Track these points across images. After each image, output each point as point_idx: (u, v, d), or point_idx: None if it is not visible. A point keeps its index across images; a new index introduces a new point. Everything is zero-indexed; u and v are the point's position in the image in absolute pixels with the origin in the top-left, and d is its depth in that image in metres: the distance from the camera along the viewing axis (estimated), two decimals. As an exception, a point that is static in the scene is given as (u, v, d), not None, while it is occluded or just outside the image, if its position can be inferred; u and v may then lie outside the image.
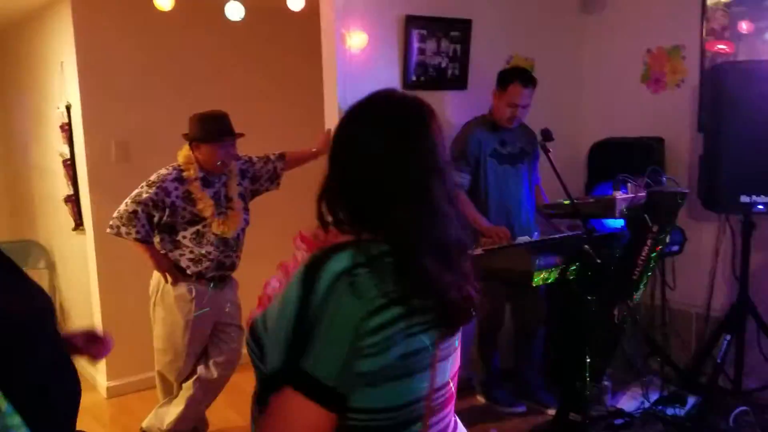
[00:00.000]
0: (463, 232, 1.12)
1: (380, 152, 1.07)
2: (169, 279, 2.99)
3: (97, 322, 4.00)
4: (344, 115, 1.12)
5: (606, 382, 3.32)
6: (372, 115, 1.11)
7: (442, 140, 1.12)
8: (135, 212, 2.89)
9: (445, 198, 1.09)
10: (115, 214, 2.94)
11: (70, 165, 4.04)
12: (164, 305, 3.02)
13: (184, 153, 3.02)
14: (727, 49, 3.54)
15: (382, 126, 1.09)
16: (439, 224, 1.07)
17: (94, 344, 1.50)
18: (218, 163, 2.97)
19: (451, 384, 1.16)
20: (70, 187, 4.09)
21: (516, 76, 3.32)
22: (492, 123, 3.41)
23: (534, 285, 2.87)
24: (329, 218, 1.09)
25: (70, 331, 1.47)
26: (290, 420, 0.97)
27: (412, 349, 1.02)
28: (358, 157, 1.08)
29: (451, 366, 1.15)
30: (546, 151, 2.90)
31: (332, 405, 0.98)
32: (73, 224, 4.14)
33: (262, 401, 1.04)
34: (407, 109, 1.12)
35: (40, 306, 1.29)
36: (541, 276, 2.82)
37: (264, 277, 1.31)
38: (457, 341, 1.17)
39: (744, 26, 3.47)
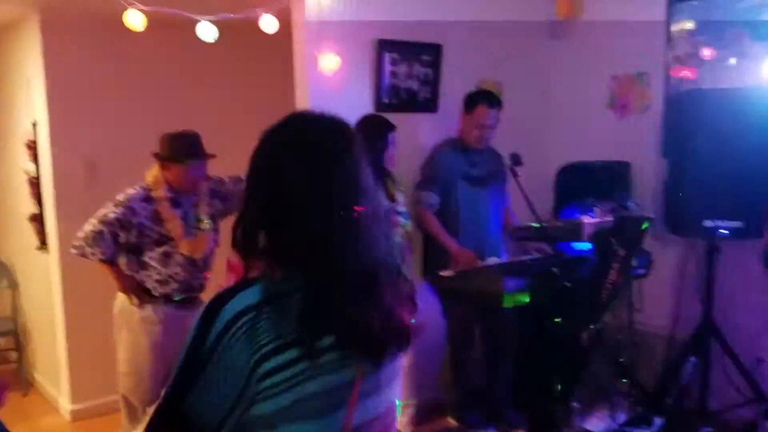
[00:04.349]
0: (392, 254, 1.08)
1: (302, 177, 1.00)
2: (134, 300, 2.94)
3: (60, 343, 3.91)
4: (262, 138, 1.07)
5: (574, 404, 3.34)
6: (292, 138, 1.05)
7: (364, 162, 1.06)
8: (100, 232, 2.84)
9: (371, 220, 1.03)
10: (79, 234, 2.89)
11: (35, 183, 3.97)
12: (129, 327, 2.96)
13: (152, 173, 2.98)
14: (691, 75, 3.63)
15: (303, 149, 1.03)
16: (363, 251, 1.01)
17: None
18: (187, 183, 2.93)
19: (381, 420, 1.09)
20: (36, 205, 4.01)
21: (482, 98, 3.39)
22: (461, 145, 3.45)
23: (504, 307, 2.89)
24: (247, 248, 1.03)
25: None
26: None
27: (315, 391, 0.96)
28: (278, 182, 1.01)
29: (380, 401, 1.08)
30: (515, 175, 2.94)
31: None
32: (37, 243, 4.05)
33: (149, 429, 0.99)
34: (328, 132, 1.06)
35: None
36: (511, 298, 2.84)
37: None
38: (386, 374, 1.09)
39: (707, 53, 3.57)
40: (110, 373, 3.26)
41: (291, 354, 0.94)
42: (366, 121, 3.13)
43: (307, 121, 1.09)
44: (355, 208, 1.01)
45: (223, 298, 0.97)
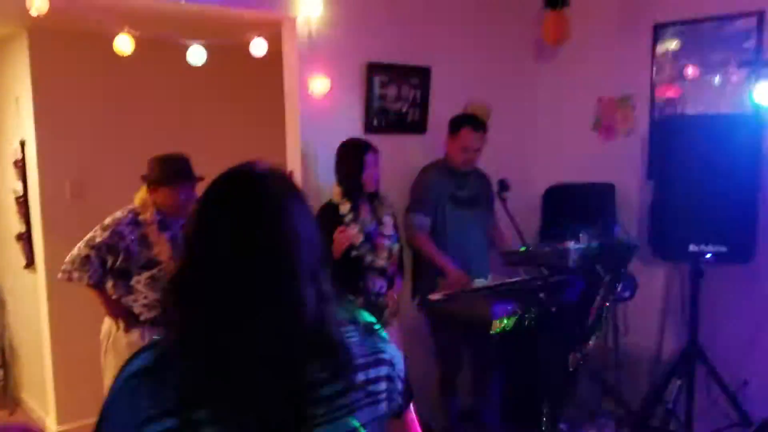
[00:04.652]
0: (328, 329, 0.98)
1: (221, 240, 0.96)
2: (121, 325, 2.92)
3: (47, 363, 3.88)
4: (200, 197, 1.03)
5: (562, 426, 3.35)
6: (218, 199, 1.01)
7: (302, 228, 0.99)
8: (88, 257, 2.83)
9: (301, 291, 0.96)
10: (67, 259, 2.87)
11: (23, 202, 3.95)
12: (116, 352, 2.94)
13: (141, 195, 2.97)
14: (674, 95, 3.68)
15: (227, 211, 0.98)
16: (280, 322, 0.94)
17: None
18: (176, 206, 2.93)
19: None
20: (23, 224, 4.00)
21: (467, 122, 3.42)
22: (448, 167, 3.48)
23: (493, 333, 2.90)
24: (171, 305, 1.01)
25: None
26: None
27: None
28: (201, 242, 0.98)
29: None
30: (502, 200, 2.96)
31: None
32: (24, 262, 4.03)
33: None
34: (253, 193, 1.00)
35: None
36: (500, 323, 2.85)
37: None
38: None
39: (690, 72, 3.61)
40: (97, 393, 3.21)
41: (168, 423, 0.89)
42: (344, 145, 3.15)
43: (237, 180, 1.03)
44: (283, 277, 0.95)
45: (127, 360, 0.96)
